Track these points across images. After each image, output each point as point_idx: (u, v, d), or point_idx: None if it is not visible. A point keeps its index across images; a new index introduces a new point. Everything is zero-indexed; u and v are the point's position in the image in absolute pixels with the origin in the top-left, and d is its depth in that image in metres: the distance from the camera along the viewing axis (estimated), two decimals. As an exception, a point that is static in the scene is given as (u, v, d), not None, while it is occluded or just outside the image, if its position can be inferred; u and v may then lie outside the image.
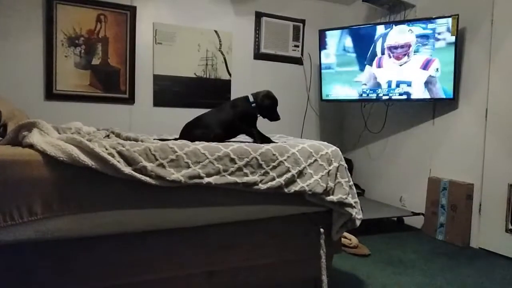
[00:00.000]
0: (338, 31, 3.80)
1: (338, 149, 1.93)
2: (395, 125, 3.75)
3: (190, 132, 1.99)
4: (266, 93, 2.15)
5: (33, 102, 3.08)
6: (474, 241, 2.98)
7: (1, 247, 1.28)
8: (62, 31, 3.19)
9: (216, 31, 3.76)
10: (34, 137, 1.41)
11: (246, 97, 2.13)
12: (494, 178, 2.86)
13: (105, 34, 3.33)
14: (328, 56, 3.89)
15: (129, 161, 1.43)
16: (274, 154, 1.70)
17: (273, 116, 2.14)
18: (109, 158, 1.37)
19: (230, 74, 3.87)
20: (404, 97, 3.40)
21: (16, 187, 1.28)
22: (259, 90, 4.01)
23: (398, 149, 3.74)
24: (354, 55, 3.71)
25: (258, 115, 2.12)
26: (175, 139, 1.91)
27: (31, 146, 1.37)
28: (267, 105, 2.10)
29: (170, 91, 3.62)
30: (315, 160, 1.80)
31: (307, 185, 1.73)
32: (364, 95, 3.68)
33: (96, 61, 3.32)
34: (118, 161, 1.40)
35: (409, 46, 3.32)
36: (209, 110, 2.18)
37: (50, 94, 3.18)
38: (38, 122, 1.51)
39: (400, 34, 3.38)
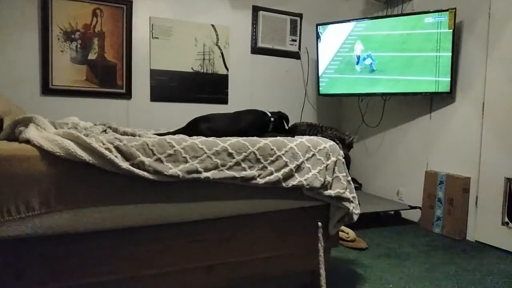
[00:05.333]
0: (336, 25, 3.80)
1: (335, 143, 1.93)
2: (392, 119, 3.76)
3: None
4: (282, 113, 2.18)
5: (30, 98, 3.06)
6: (470, 234, 3.00)
7: (-1, 243, 1.27)
8: (58, 26, 3.16)
9: (213, 25, 3.74)
10: (31, 132, 1.40)
11: (263, 111, 2.13)
12: (491, 172, 2.87)
13: (101, 29, 3.31)
14: (325, 50, 3.89)
15: (126, 156, 1.42)
16: (272, 149, 1.70)
17: (283, 129, 2.17)
18: (107, 153, 1.37)
19: (227, 69, 3.85)
20: (401, 90, 3.41)
21: (13, 183, 1.27)
22: (257, 85, 4.01)
23: (395, 143, 3.75)
24: (351, 48, 3.71)
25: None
26: (174, 132, 1.91)
27: (27, 141, 1.36)
28: (284, 121, 2.15)
29: (167, 86, 3.60)
30: (313, 155, 1.80)
31: (305, 180, 1.73)
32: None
33: (92, 56, 3.30)
34: (116, 156, 1.39)
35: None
36: (220, 113, 2.12)
37: (47, 89, 3.16)
38: (34, 117, 1.50)
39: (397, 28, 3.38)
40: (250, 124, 2.02)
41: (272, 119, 2.09)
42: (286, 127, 2.18)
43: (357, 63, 3.67)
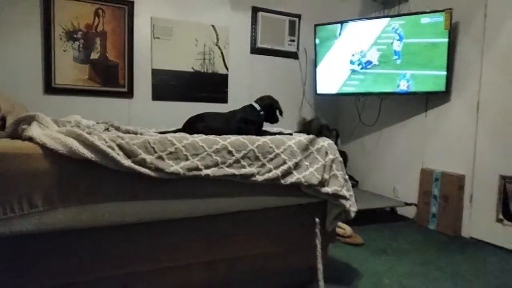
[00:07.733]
0: (334, 26, 3.83)
1: (333, 142, 1.97)
2: (389, 118, 3.79)
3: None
4: (271, 98, 2.18)
5: (32, 96, 3.08)
6: (465, 230, 3.04)
7: (1, 239, 1.28)
8: (60, 26, 3.19)
9: (213, 26, 3.78)
10: (34, 130, 1.41)
11: (252, 106, 2.12)
12: (485, 169, 2.91)
13: (103, 29, 3.34)
14: (323, 50, 3.92)
15: (128, 153, 1.45)
16: (271, 147, 1.74)
17: (275, 118, 2.19)
18: (109, 150, 1.39)
19: (227, 68, 3.89)
20: (398, 90, 3.45)
21: (16, 180, 1.29)
22: (256, 84, 4.03)
23: (392, 141, 3.79)
24: (348, 48, 3.75)
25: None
26: (175, 131, 1.94)
27: (30, 139, 1.37)
28: (275, 110, 2.15)
29: (168, 85, 3.64)
30: (311, 153, 1.84)
31: (303, 177, 1.76)
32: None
33: (94, 55, 3.34)
34: (118, 154, 1.42)
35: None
36: (214, 112, 2.13)
37: (49, 88, 3.19)
38: (37, 115, 1.51)
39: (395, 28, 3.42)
40: (243, 120, 2.04)
41: (261, 112, 2.11)
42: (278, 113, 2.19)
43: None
